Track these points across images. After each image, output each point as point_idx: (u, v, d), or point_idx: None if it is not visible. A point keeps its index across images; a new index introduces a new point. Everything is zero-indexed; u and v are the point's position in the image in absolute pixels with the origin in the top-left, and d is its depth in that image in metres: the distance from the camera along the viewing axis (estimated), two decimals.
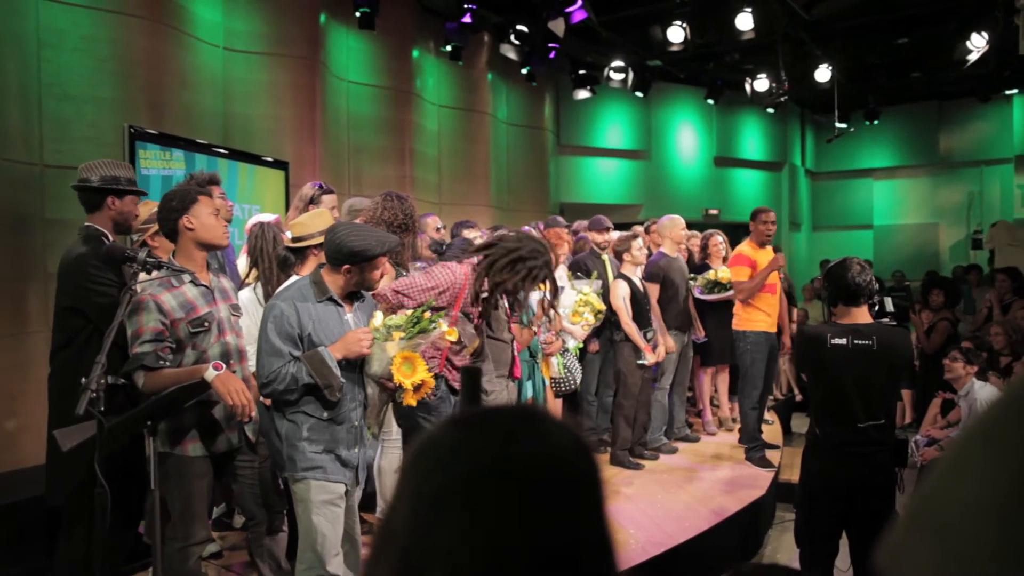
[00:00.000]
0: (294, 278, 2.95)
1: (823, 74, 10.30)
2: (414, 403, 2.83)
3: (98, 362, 2.01)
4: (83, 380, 1.96)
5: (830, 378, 3.01)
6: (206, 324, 2.58)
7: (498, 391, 3.57)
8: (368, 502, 3.58)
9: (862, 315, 3.03)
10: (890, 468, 3.03)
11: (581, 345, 4.98)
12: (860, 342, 2.94)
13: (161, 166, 4.62)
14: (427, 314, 2.74)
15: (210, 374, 2.42)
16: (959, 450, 0.51)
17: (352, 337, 2.62)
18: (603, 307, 4.81)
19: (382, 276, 2.83)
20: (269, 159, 5.81)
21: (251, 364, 2.90)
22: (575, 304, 4.70)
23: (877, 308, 3.04)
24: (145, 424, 2.25)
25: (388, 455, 3.77)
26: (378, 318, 2.72)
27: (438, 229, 4.78)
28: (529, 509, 0.66)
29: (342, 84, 7.19)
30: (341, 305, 2.72)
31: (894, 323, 3.29)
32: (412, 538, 0.68)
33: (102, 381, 1.98)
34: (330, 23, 6.94)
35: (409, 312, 2.78)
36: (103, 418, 2.02)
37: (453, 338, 2.99)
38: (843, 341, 2.96)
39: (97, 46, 4.77)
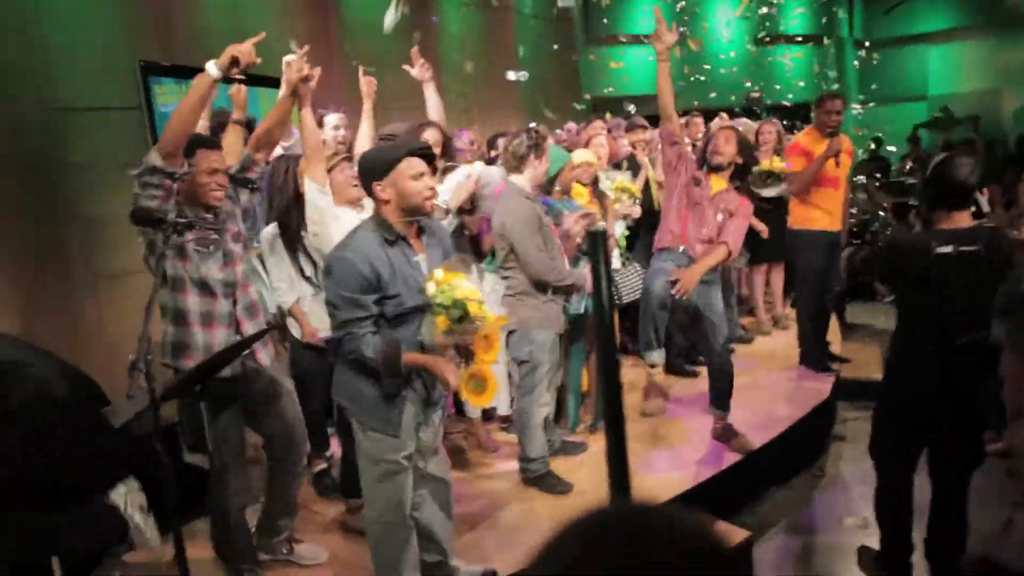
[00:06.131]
0: (354, 224, 2.63)
1: None
2: (472, 400, 2.80)
3: (142, 339, 1.91)
4: (130, 357, 1.87)
5: (933, 291, 2.71)
6: (210, 247, 2.70)
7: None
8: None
9: (964, 219, 2.71)
10: (986, 381, 2.82)
11: (628, 233, 4.92)
12: (967, 248, 2.63)
13: (178, 100, 4.39)
14: (474, 306, 2.39)
15: (211, 69, 2.61)
16: None
17: (442, 366, 2.45)
18: (637, 189, 4.95)
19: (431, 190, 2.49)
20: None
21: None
22: (611, 189, 4.71)
23: (974, 208, 2.75)
24: (193, 390, 2.19)
25: None
26: (439, 273, 2.43)
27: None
28: None
29: None
30: (410, 246, 2.51)
31: (991, 223, 3.00)
32: None
33: (148, 358, 1.88)
34: None
35: (471, 287, 2.44)
36: (154, 392, 1.94)
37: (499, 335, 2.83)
38: (949, 249, 2.64)
39: None
